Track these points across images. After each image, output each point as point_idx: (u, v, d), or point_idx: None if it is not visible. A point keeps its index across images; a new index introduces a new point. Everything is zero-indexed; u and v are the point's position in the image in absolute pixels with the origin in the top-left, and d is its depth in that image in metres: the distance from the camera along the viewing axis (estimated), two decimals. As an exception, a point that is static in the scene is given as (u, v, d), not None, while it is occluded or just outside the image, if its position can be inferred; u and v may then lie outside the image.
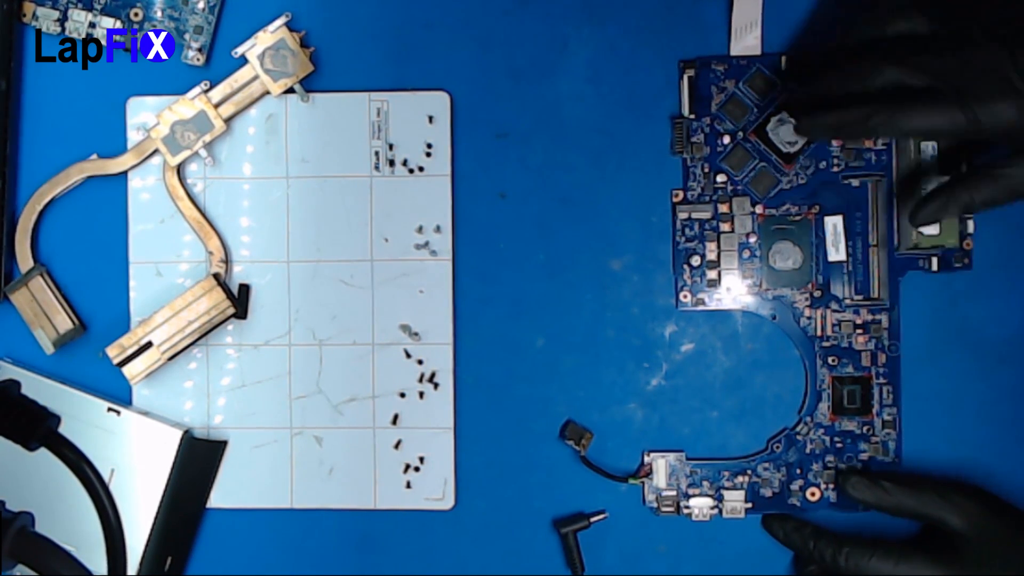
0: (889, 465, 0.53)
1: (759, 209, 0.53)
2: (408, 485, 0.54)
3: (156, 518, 0.53)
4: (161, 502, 0.53)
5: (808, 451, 0.53)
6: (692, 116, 0.53)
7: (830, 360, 0.53)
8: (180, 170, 0.54)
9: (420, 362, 0.54)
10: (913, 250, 0.52)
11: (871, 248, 0.53)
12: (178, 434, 0.53)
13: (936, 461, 0.53)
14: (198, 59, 0.54)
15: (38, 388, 0.54)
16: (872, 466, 0.53)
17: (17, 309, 0.53)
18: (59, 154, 0.54)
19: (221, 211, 0.54)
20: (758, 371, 0.54)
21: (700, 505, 0.53)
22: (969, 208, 0.47)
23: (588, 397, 0.54)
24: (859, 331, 0.53)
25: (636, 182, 0.54)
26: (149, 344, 0.53)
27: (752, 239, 0.53)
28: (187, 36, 0.54)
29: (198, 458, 0.54)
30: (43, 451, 0.52)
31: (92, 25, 0.54)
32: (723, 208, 0.53)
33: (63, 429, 0.53)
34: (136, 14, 0.53)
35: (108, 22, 0.54)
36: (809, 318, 0.53)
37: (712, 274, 0.53)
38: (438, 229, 0.54)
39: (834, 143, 0.53)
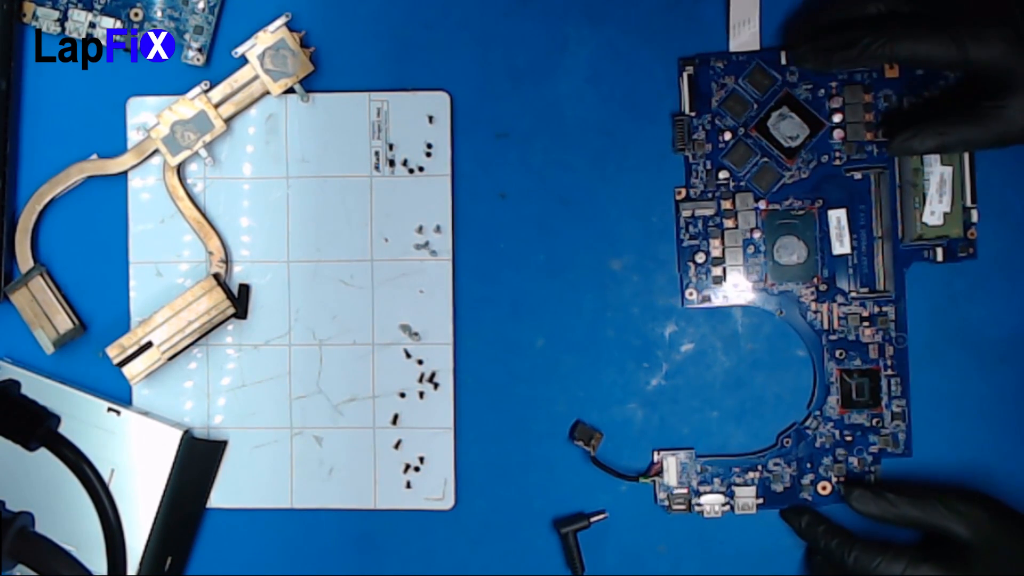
0: (900, 457, 0.53)
1: (762, 204, 0.53)
2: (408, 485, 0.54)
3: (156, 518, 0.53)
4: (161, 502, 0.53)
5: (818, 445, 0.53)
6: (693, 113, 0.53)
7: (838, 354, 0.53)
8: (180, 170, 0.54)
9: (420, 362, 0.54)
10: (918, 241, 0.52)
11: (876, 241, 0.52)
12: (178, 434, 0.53)
13: (942, 456, 0.53)
14: (198, 59, 0.54)
15: (38, 388, 0.54)
16: (883, 459, 0.53)
17: (17, 309, 0.53)
18: (59, 154, 0.54)
19: (221, 211, 0.54)
20: (758, 370, 0.53)
21: (712, 502, 0.53)
22: (941, 144, 0.48)
23: (588, 397, 0.54)
24: (866, 324, 0.53)
25: (636, 182, 0.54)
26: (149, 344, 0.53)
27: (756, 235, 0.53)
28: (187, 36, 0.54)
29: (198, 458, 0.54)
30: (43, 451, 0.52)
31: (92, 25, 0.54)
32: (726, 204, 0.53)
33: (63, 429, 0.53)
34: (136, 14, 0.54)
35: (108, 22, 0.54)
36: (816, 312, 0.53)
37: (717, 271, 0.53)
38: (438, 229, 0.54)
39: (836, 136, 0.53)
